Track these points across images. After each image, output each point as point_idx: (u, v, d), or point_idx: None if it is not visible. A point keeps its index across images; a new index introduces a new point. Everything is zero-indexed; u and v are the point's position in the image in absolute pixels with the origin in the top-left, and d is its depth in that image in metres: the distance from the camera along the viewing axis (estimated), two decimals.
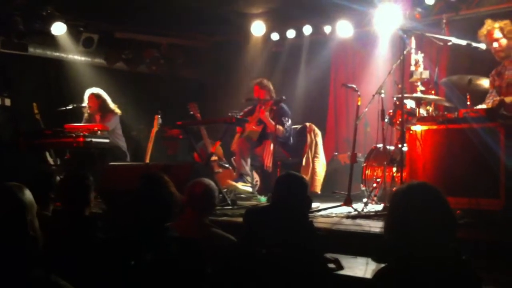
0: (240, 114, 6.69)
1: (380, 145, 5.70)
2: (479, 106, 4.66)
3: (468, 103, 4.69)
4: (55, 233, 2.82)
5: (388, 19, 7.16)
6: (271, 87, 6.57)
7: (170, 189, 2.82)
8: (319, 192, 6.22)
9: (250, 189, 6.40)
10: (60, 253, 2.75)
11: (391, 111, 5.52)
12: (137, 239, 2.66)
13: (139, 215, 2.76)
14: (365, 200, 5.47)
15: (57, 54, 8.43)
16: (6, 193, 1.93)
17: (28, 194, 1.99)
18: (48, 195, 3.65)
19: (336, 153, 7.89)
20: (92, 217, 3.47)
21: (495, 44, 4.80)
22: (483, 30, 4.87)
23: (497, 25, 4.80)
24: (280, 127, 6.24)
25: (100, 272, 2.65)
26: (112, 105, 7.02)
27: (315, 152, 6.27)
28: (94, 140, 6.20)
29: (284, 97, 6.26)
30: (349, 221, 4.64)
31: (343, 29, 7.89)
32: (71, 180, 3.40)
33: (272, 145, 6.13)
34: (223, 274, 3.09)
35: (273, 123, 6.15)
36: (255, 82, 6.59)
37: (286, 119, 6.36)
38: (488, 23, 4.85)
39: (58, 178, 4.07)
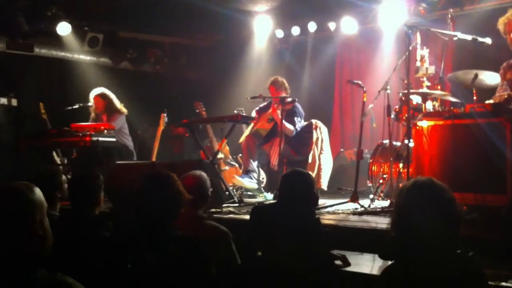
0: (256, 109, 6.69)
1: (386, 141, 5.70)
2: (488, 102, 4.64)
3: (475, 98, 4.67)
4: (64, 233, 2.84)
5: (393, 15, 7.16)
6: (286, 85, 6.53)
7: (178, 187, 2.83)
8: (325, 189, 6.21)
9: (256, 186, 6.41)
10: (69, 252, 2.77)
11: (397, 107, 5.51)
12: (143, 238, 2.67)
13: (145, 213, 2.77)
14: (371, 196, 5.47)
15: (62, 54, 8.46)
16: (15, 192, 1.93)
17: (38, 193, 1.97)
18: (54, 194, 3.68)
19: (342, 150, 7.89)
20: (102, 217, 3.49)
21: (510, 35, 4.77)
22: (504, 19, 4.82)
23: None
24: (291, 127, 6.23)
25: (108, 271, 2.67)
26: (118, 105, 7.04)
27: (321, 149, 6.25)
28: (100, 139, 6.21)
29: (296, 99, 6.25)
30: (355, 218, 4.66)
31: (347, 25, 7.88)
32: (82, 179, 3.42)
33: (280, 144, 6.10)
34: (221, 267, 3.12)
35: (284, 122, 6.12)
36: (270, 83, 6.54)
37: (298, 119, 6.33)
38: (511, 12, 4.81)
39: (64, 177, 4.08)
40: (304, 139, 6.33)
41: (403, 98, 5.26)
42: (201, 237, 2.82)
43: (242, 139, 6.64)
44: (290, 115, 6.25)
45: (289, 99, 6.21)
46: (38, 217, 1.92)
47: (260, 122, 6.55)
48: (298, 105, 6.40)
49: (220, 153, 6.72)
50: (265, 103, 6.64)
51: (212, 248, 2.88)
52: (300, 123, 6.37)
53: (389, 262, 2.28)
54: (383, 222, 4.22)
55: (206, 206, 3.71)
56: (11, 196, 1.91)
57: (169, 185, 2.81)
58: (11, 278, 1.80)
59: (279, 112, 6.26)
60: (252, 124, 6.56)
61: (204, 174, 3.68)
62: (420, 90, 5.08)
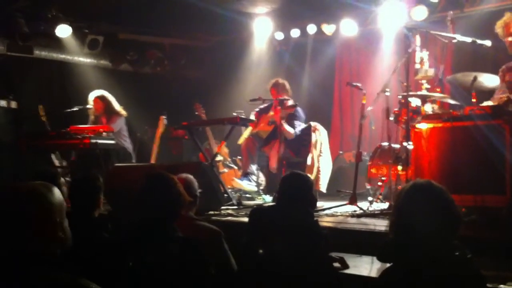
0: (256, 110, 6.69)
1: (385, 144, 5.69)
2: (486, 103, 4.64)
3: (474, 100, 4.67)
4: None
5: (393, 17, 7.16)
6: (287, 87, 6.53)
7: (178, 189, 2.84)
8: (324, 191, 6.21)
9: (254, 188, 6.41)
10: (68, 254, 2.76)
11: (396, 109, 5.51)
12: (143, 239, 2.67)
13: (146, 214, 2.77)
14: (370, 198, 5.46)
15: (62, 56, 8.44)
16: (33, 193, 1.84)
17: (57, 194, 1.90)
18: None
19: (341, 152, 7.88)
20: (101, 219, 3.49)
21: (511, 38, 4.77)
22: (501, 22, 4.84)
23: None
24: (291, 130, 6.23)
25: (108, 273, 2.66)
26: (117, 107, 7.04)
27: (320, 151, 6.24)
28: (100, 141, 6.21)
29: (297, 103, 6.25)
30: (354, 220, 4.65)
31: (347, 27, 7.87)
32: (82, 181, 3.42)
33: (279, 146, 6.09)
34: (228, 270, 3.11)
35: (286, 126, 6.10)
36: (271, 85, 6.53)
37: (299, 123, 6.34)
38: (508, 16, 4.82)
39: (63, 179, 4.08)
40: (303, 141, 6.33)
41: (403, 101, 5.26)
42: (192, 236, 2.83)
43: (241, 140, 6.64)
44: (291, 119, 6.26)
45: (290, 103, 6.21)
46: (58, 218, 1.86)
47: (261, 124, 6.55)
48: (299, 109, 6.42)
49: (219, 155, 6.72)
50: (265, 105, 6.64)
51: (205, 248, 2.88)
52: (300, 126, 6.37)
53: (388, 265, 2.28)
54: (381, 225, 4.21)
55: (196, 207, 3.70)
56: (30, 198, 1.84)
57: (170, 186, 2.82)
58: (33, 282, 1.74)
59: (281, 114, 6.25)
60: (250, 127, 6.56)
61: (190, 176, 3.68)
62: (419, 93, 5.08)
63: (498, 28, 4.86)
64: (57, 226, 1.86)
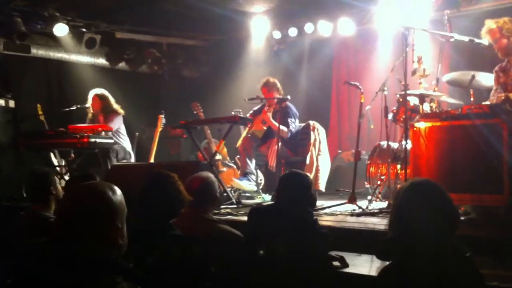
0: (250, 112, 6.70)
1: (383, 143, 5.70)
2: (485, 103, 4.65)
3: (472, 99, 4.68)
4: None
5: (390, 16, 7.16)
6: (278, 85, 6.54)
7: (178, 187, 2.84)
8: (323, 190, 6.22)
9: (254, 188, 6.41)
10: None
11: (394, 108, 5.52)
12: (142, 238, 2.67)
13: (146, 213, 2.77)
14: (369, 197, 5.47)
15: (59, 55, 8.43)
16: (97, 194, 1.71)
17: (119, 196, 1.77)
18: (49, 193, 3.68)
19: (339, 151, 7.89)
20: None
21: (495, 44, 4.79)
22: (484, 29, 4.84)
23: (494, 25, 4.77)
24: (285, 128, 6.22)
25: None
26: (115, 106, 7.02)
27: (319, 150, 6.25)
28: (98, 140, 6.20)
29: (289, 97, 6.23)
30: (353, 219, 4.65)
31: (345, 26, 7.87)
32: (79, 181, 3.41)
33: (277, 145, 6.10)
34: (228, 270, 3.11)
35: (276, 124, 6.09)
36: (262, 84, 6.54)
37: (292, 120, 6.32)
38: (488, 23, 4.83)
39: (56, 178, 4.07)
40: (301, 140, 6.33)
41: (401, 99, 5.27)
42: (213, 241, 2.81)
43: (239, 143, 6.65)
44: (283, 117, 6.23)
45: (278, 96, 6.21)
46: (119, 224, 1.76)
47: (255, 124, 6.56)
48: (290, 105, 6.39)
49: (218, 154, 6.72)
50: (259, 106, 6.68)
51: (224, 252, 2.88)
52: (295, 123, 6.36)
53: (387, 263, 2.29)
54: (381, 224, 4.22)
55: (214, 207, 3.71)
56: (92, 198, 1.72)
57: (170, 184, 2.82)
58: None
59: (269, 114, 6.25)
60: (247, 129, 6.58)
61: (211, 176, 3.67)
62: (417, 91, 5.09)
63: (484, 38, 4.86)
64: (118, 231, 1.76)
